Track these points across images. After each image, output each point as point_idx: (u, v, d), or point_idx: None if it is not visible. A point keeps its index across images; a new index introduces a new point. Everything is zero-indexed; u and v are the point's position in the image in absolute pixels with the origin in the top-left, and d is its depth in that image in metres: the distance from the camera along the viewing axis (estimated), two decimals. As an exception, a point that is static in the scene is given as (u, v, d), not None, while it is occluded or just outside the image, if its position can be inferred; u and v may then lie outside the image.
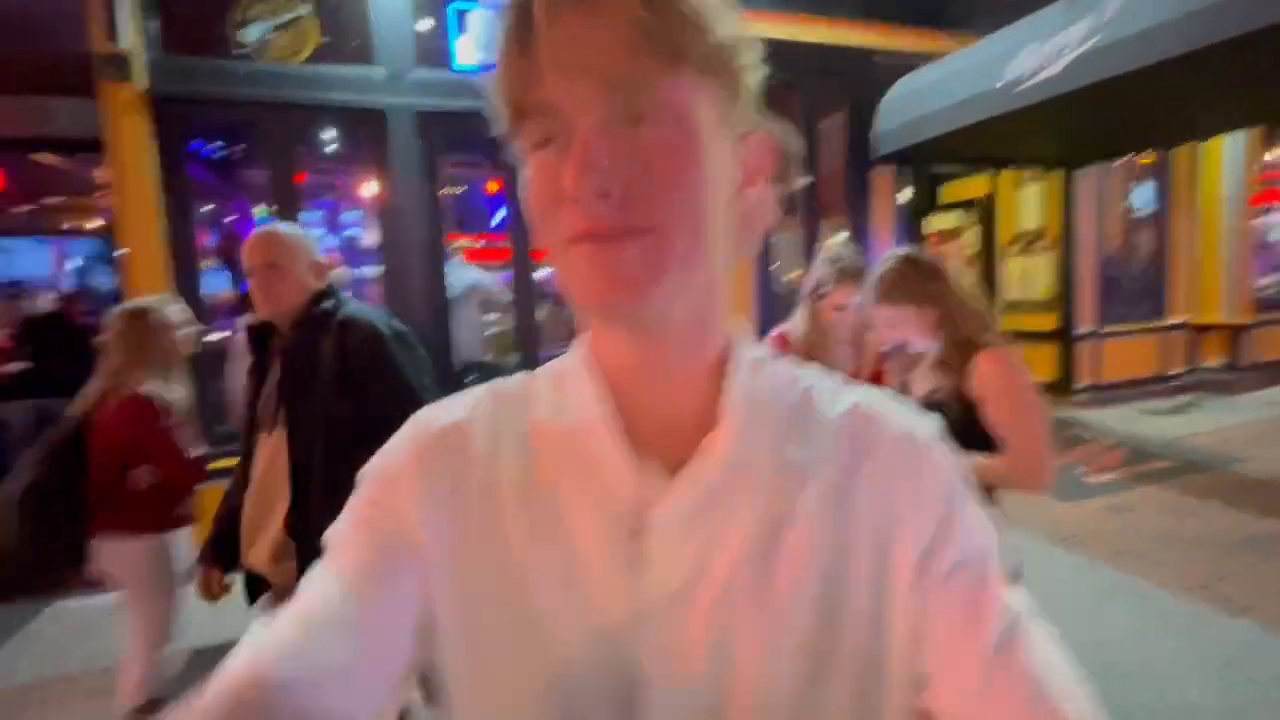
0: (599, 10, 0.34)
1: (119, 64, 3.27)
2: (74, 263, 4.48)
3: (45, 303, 4.19)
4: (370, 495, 0.44)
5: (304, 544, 1.52)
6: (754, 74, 0.40)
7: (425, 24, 3.81)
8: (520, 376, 0.48)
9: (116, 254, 3.44)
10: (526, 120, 0.37)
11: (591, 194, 0.35)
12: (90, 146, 3.35)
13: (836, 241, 4.34)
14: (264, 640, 0.37)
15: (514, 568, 0.40)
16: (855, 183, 4.74)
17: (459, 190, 5.95)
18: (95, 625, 2.85)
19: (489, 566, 0.41)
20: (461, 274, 4.04)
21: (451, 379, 3.86)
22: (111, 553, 1.98)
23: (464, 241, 4.95)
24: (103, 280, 4.22)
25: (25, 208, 4.26)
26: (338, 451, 1.48)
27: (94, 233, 4.31)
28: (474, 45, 3.83)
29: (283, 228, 1.60)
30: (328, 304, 1.56)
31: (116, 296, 3.63)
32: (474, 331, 4.13)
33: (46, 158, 3.97)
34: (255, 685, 0.35)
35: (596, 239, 0.35)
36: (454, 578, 0.41)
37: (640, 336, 0.40)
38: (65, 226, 4.36)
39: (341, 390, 1.49)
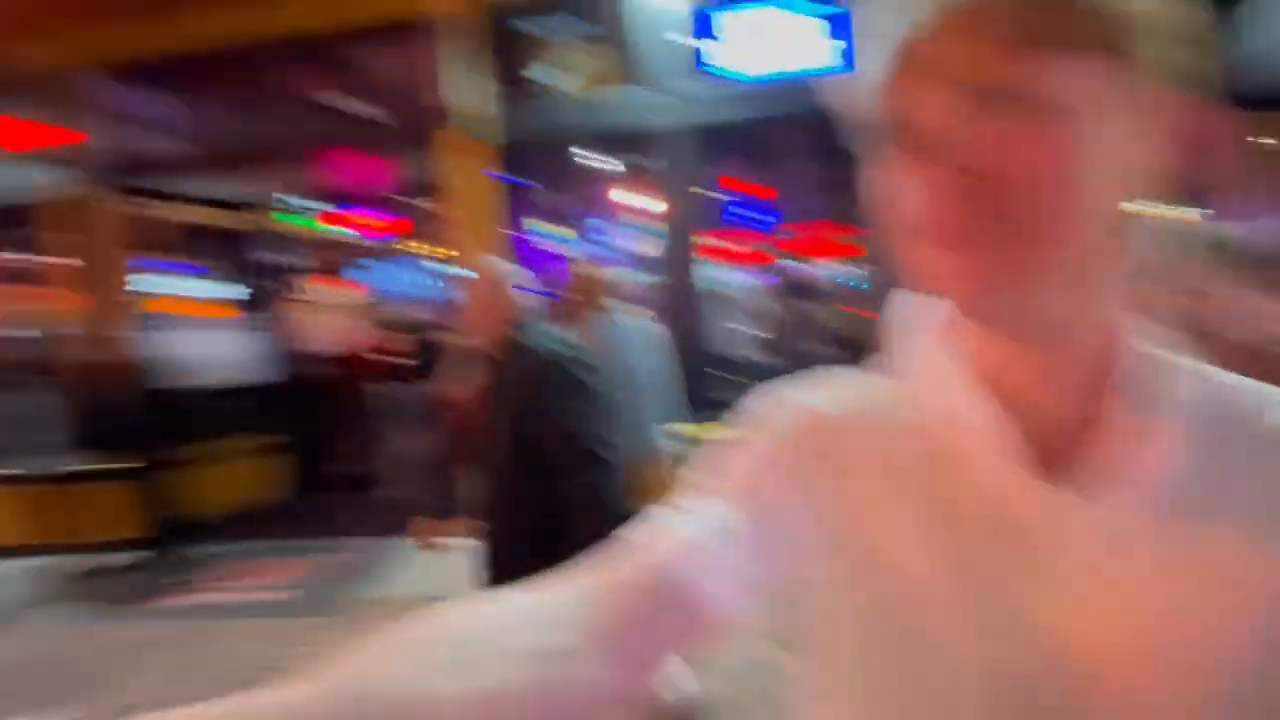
0: (951, 7, 0.34)
1: (458, 117, 4.12)
2: (436, 281, 5.75)
3: (425, 312, 5.51)
4: (729, 465, 0.45)
5: (488, 549, 1.80)
6: (1162, 38, 0.35)
7: (686, 38, 4.05)
8: (870, 369, 0.47)
9: (465, 275, 4.36)
10: (880, 124, 0.37)
11: (947, 196, 0.34)
12: (436, 187, 4.29)
13: (1185, 214, 3.49)
14: (678, 520, 0.44)
15: (895, 566, 0.39)
16: (1210, 135, 3.75)
17: (719, 195, 6.16)
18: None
19: (866, 561, 0.40)
20: (718, 275, 4.24)
21: (710, 378, 4.06)
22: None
23: (718, 243, 5.15)
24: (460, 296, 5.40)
25: (402, 240, 5.59)
26: (502, 467, 1.70)
27: (446, 258, 5.50)
28: (728, 50, 3.97)
29: (486, 261, 1.87)
30: (514, 331, 1.75)
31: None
32: (734, 331, 4.29)
33: (409, 200, 5.17)
34: (683, 548, 0.41)
35: (952, 241, 0.34)
36: (824, 569, 0.42)
37: (1009, 335, 0.38)
38: (427, 252, 5.61)
39: (503, 410, 1.72)
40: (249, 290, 5.40)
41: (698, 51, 4.01)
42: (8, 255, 5.09)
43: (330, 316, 5.28)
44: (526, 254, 4.44)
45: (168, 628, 3.56)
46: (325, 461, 5.21)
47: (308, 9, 4.24)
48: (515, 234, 4.42)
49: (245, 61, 4.54)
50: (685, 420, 3.10)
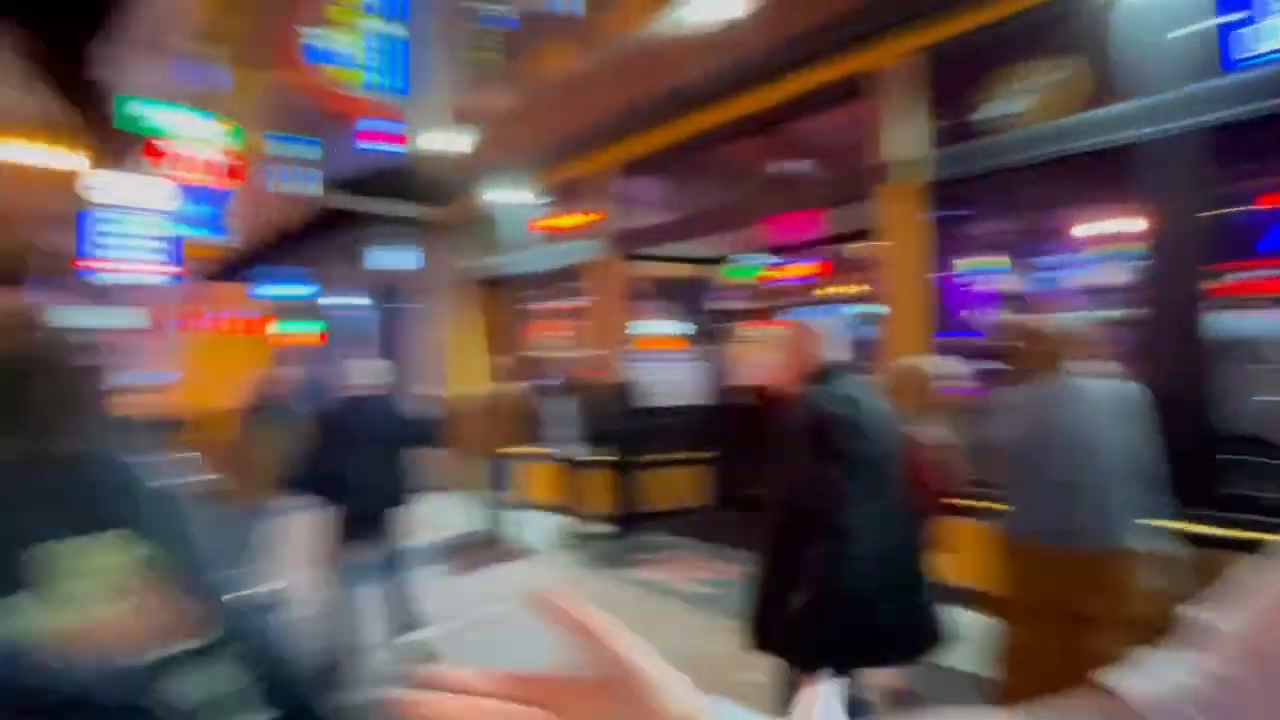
0: None
1: (896, 168, 4.21)
2: (859, 325, 5.95)
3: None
4: (1253, 603, 0.37)
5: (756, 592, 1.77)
6: None
7: (1189, 31, 3.25)
8: None
9: (877, 314, 4.43)
10: None
11: None
12: (859, 236, 4.44)
13: None
14: (1173, 663, 0.39)
15: None
16: None
17: (1237, 213, 4.68)
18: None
19: None
20: (1243, 322, 3.18)
21: (1222, 463, 3.10)
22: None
23: (1243, 277, 3.85)
24: (865, 333, 5.48)
25: (830, 284, 5.96)
26: (768, 510, 1.73)
27: (854, 298, 5.64)
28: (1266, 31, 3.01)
29: (799, 320, 1.95)
30: (808, 385, 1.77)
31: (876, 348, 4.61)
32: (1265, 399, 3.16)
33: (839, 246, 5.48)
34: (1172, 697, 0.37)
35: None
36: None
37: None
38: (853, 296, 5.85)
39: (778, 458, 1.77)
40: (701, 329, 6.56)
41: (1223, 33, 3.17)
42: (559, 303, 7.40)
43: (761, 354, 5.99)
44: (962, 298, 4.19)
45: (624, 590, 4.58)
46: (742, 479, 5.87)
47: (763, 90, 4.97)
48: (950, 276, 4.25)
49: (711, 145, 5.58)
50: (1173, 512, 2.41)
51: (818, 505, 1.61)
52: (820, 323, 1.87)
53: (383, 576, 3.51)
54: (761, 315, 6.04)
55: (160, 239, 14.84)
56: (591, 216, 6.63)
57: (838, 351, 1.82)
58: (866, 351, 5.05)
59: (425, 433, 3.97)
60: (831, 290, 5.87)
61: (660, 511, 5.81)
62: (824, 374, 1.78)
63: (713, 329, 6.56)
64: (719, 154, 5.71)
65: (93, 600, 0.34)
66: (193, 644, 0.38)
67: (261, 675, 0.40)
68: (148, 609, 0.37)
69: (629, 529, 5.66)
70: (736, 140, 5.48)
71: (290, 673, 0.40)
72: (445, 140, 7.98)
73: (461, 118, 8.00)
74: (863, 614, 1.62)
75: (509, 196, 7.05)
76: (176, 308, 15.68)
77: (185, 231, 14.21)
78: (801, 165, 5.34)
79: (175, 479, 0.44)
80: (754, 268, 6.36)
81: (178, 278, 15.35)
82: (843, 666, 1.60)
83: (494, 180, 7.12)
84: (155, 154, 13.04)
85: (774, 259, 6.19)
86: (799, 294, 6.02)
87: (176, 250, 14.82)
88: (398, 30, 8.38)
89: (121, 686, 0.32)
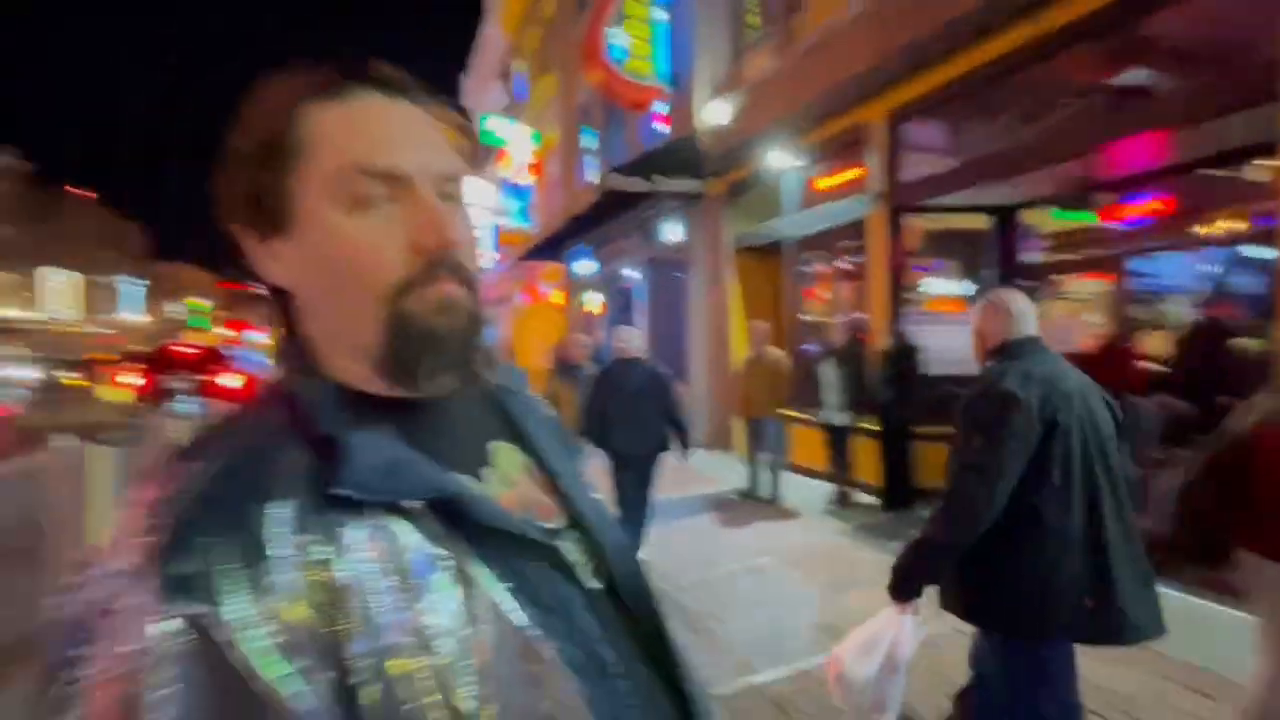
0: None
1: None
2: (1218, 269, 4.59)
3: (1187, 310, 4.55)
4: None
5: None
6: None
7: None
8: None
9: (1271, 259, 3.29)
10: None
11: None
12: (1264, 152, 3.28)
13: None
14: None
15: None
16: None
17: None
18: (1206, 625, 2.92)
19: None
20: None
21: None
22: (1253, 569, 1.96)
23: None
24: (1249, 284, 4.14)
25: (1182, 221, 4.67)
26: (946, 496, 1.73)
27: (1244, 238, 4.26)
28: None
29: (994, 295, 1.89)
30: (991, 362, 1.79)
31: (1267, 302, 3.48)
32: None
33: (1215, 173, 4.18)
34: None
35: None
36: None
37: None
38: (1214, 235, 4.51)
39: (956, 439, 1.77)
40: (991, 287, 5.67)
41: None
42: (832, 265, 7.11)
43: (1075, 313, 4.96)
44: None
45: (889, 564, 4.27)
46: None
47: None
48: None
49: (1008, 74, 4.65)
50: None
51: (954, 471, 1.70)
52: (1009, 296, 1.87)
53: (630, 515, 4.01)
54: (1089, 267, 4.97)
55: (484, 230, 18.14)
56: (862, 171, 6.17)
57: (1024, 327, 1.80)
58: (1253, 307, 3.83)
59: (677, 395, 4.31)
60: (1194, 230, 4.54)
61: (933, 488, 5.28)
62: (1006, 350, 1.78)
63: (1010, 287, 5.62)
64: (1016, 82, 4.78)
65: (502, 486, 0.50)
66: (556, 525, 0.51)
67: (600, 550, 0.52)
68: (532, 496, 0.52)
69: (897, 503, 5.27)
70: (1041, 62, 4.50)
71: (620, 550, 0.54)
72: (716, 112, 8.15)
73: (729, 86, 8.08)
74: (966, 579, 1.74)
75: (777, 160, 6.93)
76: (496, 286, 19.07)
77: (503, 222, 17.12)
78: (1145, 75, 4.19)
79: (544, 408, 0.62)
80: (1081, 211, 5.23)
81: (497, 262, 18.66)
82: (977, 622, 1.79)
83: (762, 145, 7.07)
84: (504, 160, 16.19)
85: (1104, 197, 5.01)
86: (1143, 238, 4.78)
87: (494, 238, 18.00)
88: (674, 12, 8.78)
89: (536, 529, 0.48)
